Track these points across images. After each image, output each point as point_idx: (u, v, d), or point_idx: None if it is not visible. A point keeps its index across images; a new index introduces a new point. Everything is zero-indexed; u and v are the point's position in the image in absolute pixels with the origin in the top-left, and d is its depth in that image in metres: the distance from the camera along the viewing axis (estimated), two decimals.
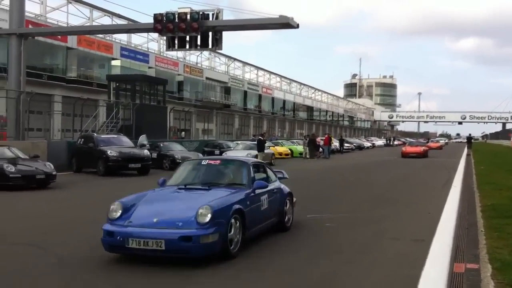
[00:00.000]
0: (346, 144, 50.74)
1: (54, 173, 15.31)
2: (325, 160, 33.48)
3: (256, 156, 23.57)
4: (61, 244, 7.48)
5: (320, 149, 36.18)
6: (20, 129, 21.69)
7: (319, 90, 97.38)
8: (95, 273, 5.91)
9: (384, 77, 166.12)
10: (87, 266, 6.25)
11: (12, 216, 10.27)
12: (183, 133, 47.77)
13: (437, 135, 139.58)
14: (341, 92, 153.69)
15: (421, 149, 36.88)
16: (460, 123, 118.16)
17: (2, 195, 13.45)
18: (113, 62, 43.57)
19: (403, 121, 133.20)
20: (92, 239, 7.80)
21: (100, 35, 40.09)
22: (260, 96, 71.01)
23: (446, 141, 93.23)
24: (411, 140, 76.12)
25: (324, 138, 38.81)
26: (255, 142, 28.58)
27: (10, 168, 14.43)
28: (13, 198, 12.95)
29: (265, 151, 27.45)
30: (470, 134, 56.68)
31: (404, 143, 79.36)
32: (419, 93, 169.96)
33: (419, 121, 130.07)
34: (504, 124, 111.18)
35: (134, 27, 26.43)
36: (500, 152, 47.42)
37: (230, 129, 62.93)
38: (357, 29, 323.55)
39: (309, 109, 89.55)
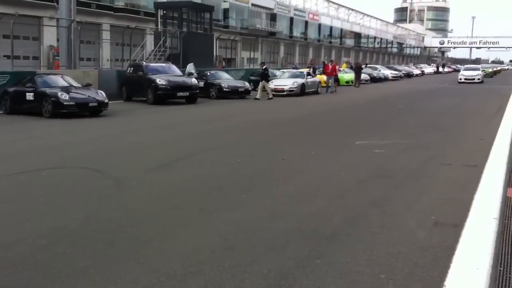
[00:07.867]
0: (394, 72, 49.43)
1: (106, 101, 15.64)
2: (370, 89, 32.82)
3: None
4: (118, 167, 7.78)
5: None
6: (72, 58, 22.02)
7: (367, 15, 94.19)
8: (151, 196, 6.13)
9: (437, 0, 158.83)
10: (143, 187, 6.49)
11: (70, 142, 10.59)
12: (223, 62, 47.56)
13: (489, 62, 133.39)
14: (391, 17, 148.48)
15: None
16: None
17: (57, 122, 13.93)
18: None
19: (454, 47, 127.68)
20: (146, 162, 8.10)
21: None
22: (306, 23, 69.33)
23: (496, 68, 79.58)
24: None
25: (324, 66, 31.37)
26: (300, 71, 29.40)
27: (64, 96, 14.82)
28: (68, 125, 13.31)
29: (311, 79, 27.25)
30: None
31: (455, 70, 76.62)
32: (473, 17, 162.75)
33: (471, 47, 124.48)
34: None
35: None
36: None
37: (276, 57, 62.16)
38: None
39: (357, 35, 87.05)
